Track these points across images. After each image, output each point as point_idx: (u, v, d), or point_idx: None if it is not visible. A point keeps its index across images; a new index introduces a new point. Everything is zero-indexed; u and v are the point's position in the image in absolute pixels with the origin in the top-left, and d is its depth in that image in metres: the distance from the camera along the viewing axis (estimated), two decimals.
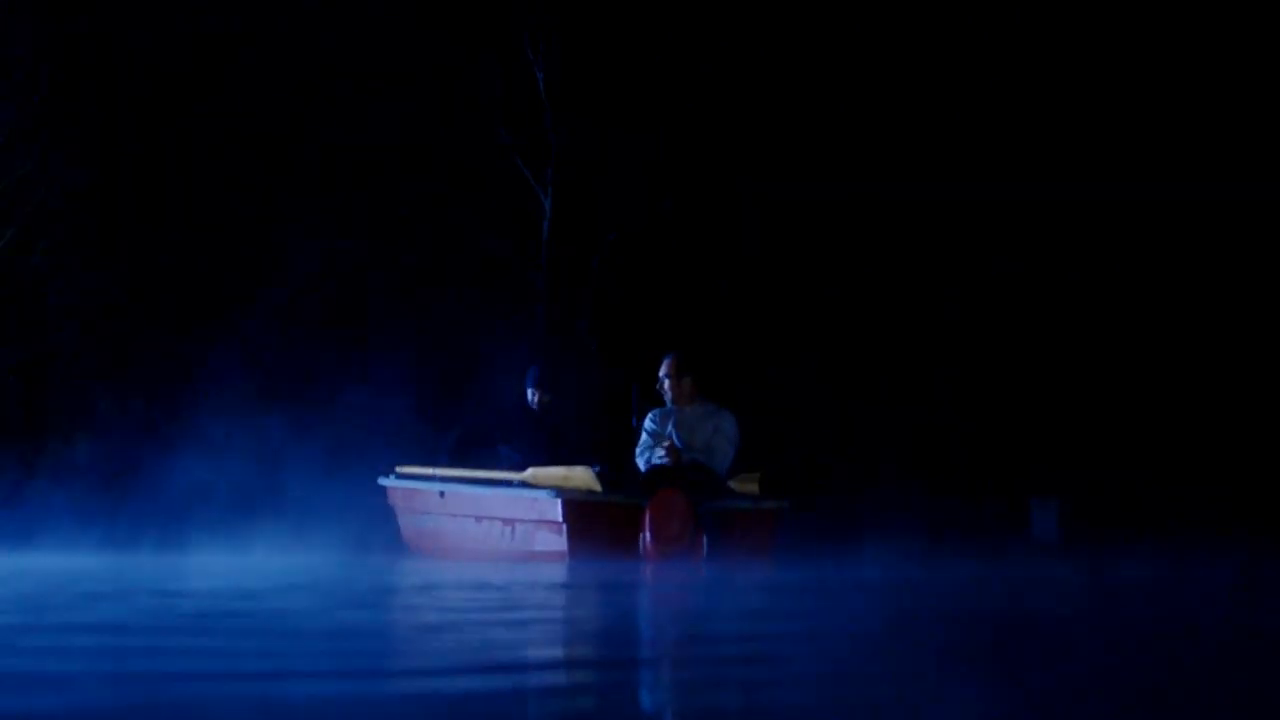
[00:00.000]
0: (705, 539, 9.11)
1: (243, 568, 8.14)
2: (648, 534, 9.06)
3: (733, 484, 9.55)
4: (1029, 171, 17.59)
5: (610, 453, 10.05)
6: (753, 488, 9.54)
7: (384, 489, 10.69)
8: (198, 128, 17.14)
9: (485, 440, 10.50)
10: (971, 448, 17.03)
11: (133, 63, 16.98)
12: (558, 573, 7.70)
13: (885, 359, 17.41)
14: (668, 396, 9.63)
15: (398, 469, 10.68)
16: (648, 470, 9.45)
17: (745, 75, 17.57)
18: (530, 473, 9.59)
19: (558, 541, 9.30)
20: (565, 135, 17.30)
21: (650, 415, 9.64)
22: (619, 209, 17.32)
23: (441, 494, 10.07)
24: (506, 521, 9.59)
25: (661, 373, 9.63)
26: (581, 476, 9.34)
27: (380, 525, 11.14)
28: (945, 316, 17.61)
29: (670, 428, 9.53)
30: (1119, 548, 13.21)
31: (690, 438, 9.49)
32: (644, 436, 9.57)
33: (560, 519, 9.29)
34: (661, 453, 9.37)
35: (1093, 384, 17.25)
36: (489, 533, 9.73)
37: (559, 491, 9.31)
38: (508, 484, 9.68)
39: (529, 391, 10.41)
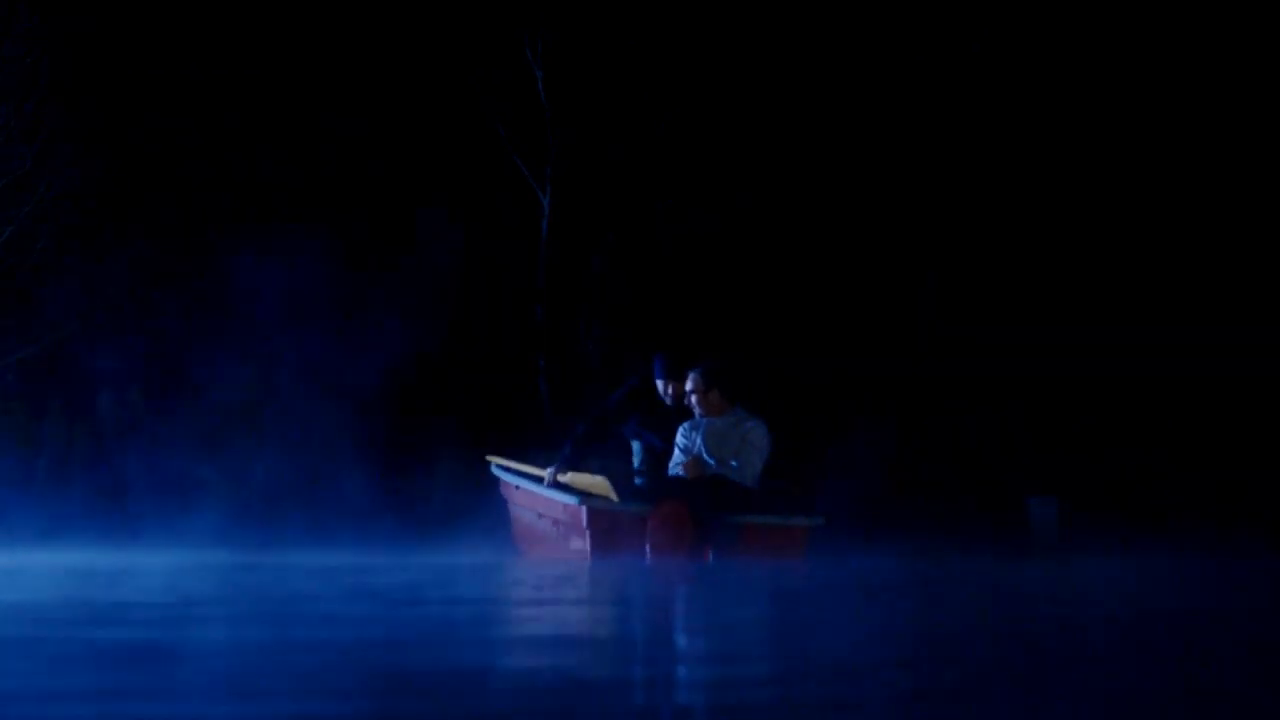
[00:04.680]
0: (711, 552, 9.11)
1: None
2: (648, 544, 9.16)
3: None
4: (1031, 166, 17.72)
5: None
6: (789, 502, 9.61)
7: (498, 480, 10.50)
8: (197, 125, 17.14)
9: (619, 428, 9.89)
10: (970, 447, 17.15)
11: (132, 61, 16.97)
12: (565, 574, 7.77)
13: (884, 358, 17.52)
14: (696, 410, 9.50)
15: (489, 459, 10.59)
16: (665, 481, 9.47)
17: (744, 75, 17.65)
18: (570, 476, 9.66)
19: (584, 545, 9.42)
20: (565, 135, 17.37)
21: (681, 429, 9.52)
22: (619, 209, 17.40)
23: (517, 487, 10.14)
24: (555, 521, 9.69)
25: (688, 387, 9.47)
26: (602, 485, 9.43)
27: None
28: (944, 314, 17.73)
29: (699, 440, 9.45)
30: (1119, 547, 13.36)
31: (719, 449, 9.40)
32: (676, 452, 9.51)
33: (585, 524, 9.40)
34: (680, 470, 9.38)
35: (1092, 383, 17.38)
36: (546, 531, 9.83)
37: (584, 498, 9.42)
38: (557, 485, 9.75)
39: (660, 383, 9.77)
